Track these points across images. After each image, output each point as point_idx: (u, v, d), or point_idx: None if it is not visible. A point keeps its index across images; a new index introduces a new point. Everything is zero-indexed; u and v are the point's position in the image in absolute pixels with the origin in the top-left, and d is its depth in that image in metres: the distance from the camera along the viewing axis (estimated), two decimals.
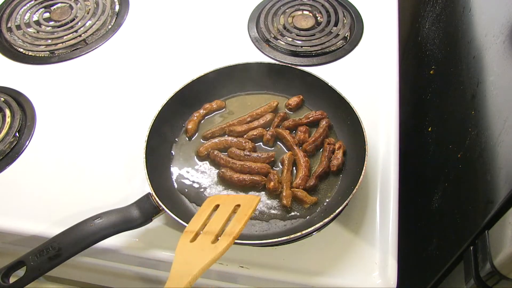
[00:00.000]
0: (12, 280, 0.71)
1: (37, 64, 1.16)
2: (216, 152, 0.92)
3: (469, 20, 0.83)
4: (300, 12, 1.23)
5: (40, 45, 1.19)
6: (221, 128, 0.96)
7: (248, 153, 0.91)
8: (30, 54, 1.18)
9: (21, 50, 1.19)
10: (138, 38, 1.20)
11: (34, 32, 1.23)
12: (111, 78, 1.11)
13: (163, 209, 0.79)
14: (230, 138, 0.95)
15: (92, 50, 1.18)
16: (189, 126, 0.96)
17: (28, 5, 1.30)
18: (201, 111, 0.98)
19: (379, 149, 0.93)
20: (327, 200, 0.86)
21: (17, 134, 1.01)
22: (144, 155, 0.85)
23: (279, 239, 0.77)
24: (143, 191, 0.81)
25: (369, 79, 1.06)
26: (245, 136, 0.95)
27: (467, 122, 0.74)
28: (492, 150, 0.62)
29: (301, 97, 0.99)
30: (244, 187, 0.88)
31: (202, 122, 0.98)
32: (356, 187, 0.79)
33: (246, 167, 0.88)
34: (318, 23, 1.20)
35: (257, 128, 0.96)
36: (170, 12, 1.26)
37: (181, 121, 0.98)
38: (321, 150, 0.92)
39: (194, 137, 0.96)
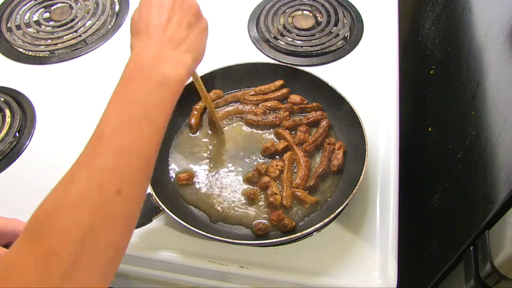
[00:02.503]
0: None
1: (37, 64, 1.16)
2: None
3: (469, 20, 0.83)
4: (300, 12, 1.23)
5: (40, 45, 1.19)
6: (227, 112, 0.97)
7: (264, 117, 0.94)
8: (30, 54, 1.18)
9: (21, 50, 1.19)
10: None
11: (34, 32, 1.23)
12: (111, 78, 1.10)
13: (163, 209, 0.79)
14: (241, 106, 0.97)
15: (92, 50, 1.18)
16: (192, 121, 0.95)
17: (28, 5, 1.30)
18: (201, 103, 0.98)
19: (379, 149, 0.93)
20: (327, 200, 0.86)
21: (17, 134, 1.01)
22: None
23: (279, 239, 0.77)
24: None
25: (369, 79, 1.06)
26: (261, 105, 0.97)
27: (467, 122, 0.74)
28: (492, 150, 0.62)
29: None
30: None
31: (204, 115, 0.98)
32: (356, 187, 0.79)
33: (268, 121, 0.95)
34: (318, 23, 1.20)
35: (272, 100, 0.98)
36: None
37: (181, 120, 0.97)
38: (321, 150, 0.92)
39: (196, 134, 0.96)
